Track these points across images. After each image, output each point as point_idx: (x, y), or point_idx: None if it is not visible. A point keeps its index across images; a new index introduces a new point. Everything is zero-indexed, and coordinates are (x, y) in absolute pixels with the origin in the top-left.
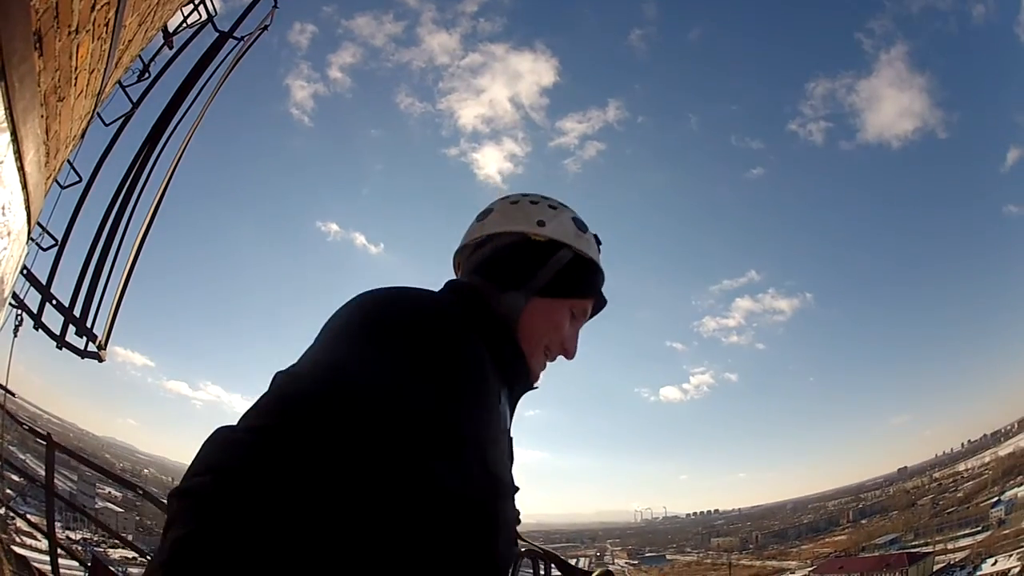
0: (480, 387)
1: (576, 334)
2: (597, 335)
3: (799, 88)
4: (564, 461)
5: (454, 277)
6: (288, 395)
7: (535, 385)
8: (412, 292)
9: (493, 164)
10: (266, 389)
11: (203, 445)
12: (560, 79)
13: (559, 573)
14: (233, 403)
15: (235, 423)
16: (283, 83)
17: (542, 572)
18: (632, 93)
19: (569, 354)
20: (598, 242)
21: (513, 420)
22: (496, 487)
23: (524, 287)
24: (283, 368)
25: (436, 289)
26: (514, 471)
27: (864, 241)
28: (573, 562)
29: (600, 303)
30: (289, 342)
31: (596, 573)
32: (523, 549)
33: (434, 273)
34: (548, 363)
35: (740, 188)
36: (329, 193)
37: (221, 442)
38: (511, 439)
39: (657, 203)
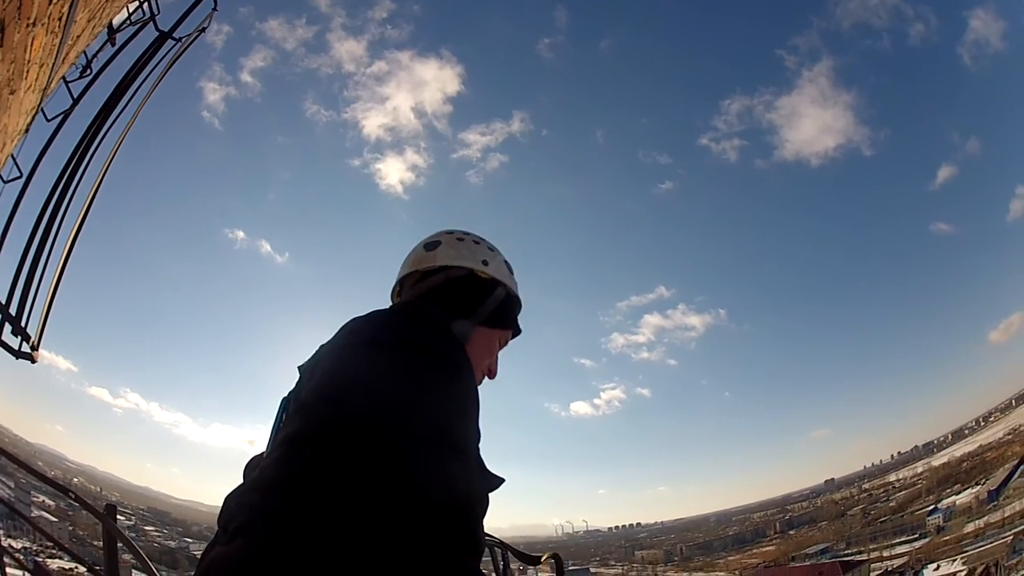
0: (473, 399)
1: (497, 359)
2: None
3: (713, 104)
4: None
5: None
6: (305, 432)
7: None
8: (401, 313)
9: (395, 174)
10: (274, 415)
11: (244, 485)
12: (465, 88)
13: (513, 560)
14: (152, 412)
15: (259, 453)
16: (196, 84)
17: (500, 560)
18: (538, 105)
19: (492, 376)
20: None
21: None
22: (493, 483)
23: (471, 316)
24: (287, 393)
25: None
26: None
27: (779, 258)
28: None
29: (517, 334)
30: (201, 351)
31: (545, 556)
32: None
33: (338, 285)
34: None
35: (648, 203)
36: (236, 200)
37: (262, 486)
38: None
39: (562, 218)
